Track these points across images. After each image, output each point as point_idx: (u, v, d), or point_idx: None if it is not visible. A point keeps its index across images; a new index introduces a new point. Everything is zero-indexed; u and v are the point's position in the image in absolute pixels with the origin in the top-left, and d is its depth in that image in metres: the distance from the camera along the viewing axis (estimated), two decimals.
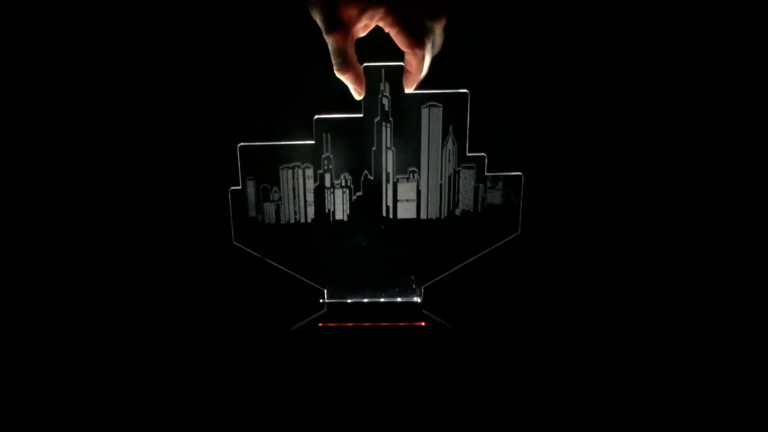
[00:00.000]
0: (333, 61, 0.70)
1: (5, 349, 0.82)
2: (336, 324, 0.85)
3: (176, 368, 0.81)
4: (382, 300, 0.87)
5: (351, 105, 0.81)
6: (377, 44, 0.82)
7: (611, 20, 0.82)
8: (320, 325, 0.85)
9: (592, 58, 0.84)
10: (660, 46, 0.84)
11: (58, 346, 0.83)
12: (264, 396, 0.78)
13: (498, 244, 0.86)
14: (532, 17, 0.82)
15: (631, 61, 0.85)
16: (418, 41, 0.66)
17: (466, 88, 0.80)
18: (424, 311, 0.87)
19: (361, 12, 0.61)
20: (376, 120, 0.80)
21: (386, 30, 0.66)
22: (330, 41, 0.62)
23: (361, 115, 0.80)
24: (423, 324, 0.85)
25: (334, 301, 0.86)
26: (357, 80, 0.67)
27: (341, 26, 0.61)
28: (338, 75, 0.69)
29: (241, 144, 0.80)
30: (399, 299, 0.87)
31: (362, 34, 0.69)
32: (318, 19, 0.63)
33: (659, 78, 0.87)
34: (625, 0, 0.82)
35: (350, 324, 0.85)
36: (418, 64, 0.70)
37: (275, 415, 0.74)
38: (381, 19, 0.64)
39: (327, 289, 0.87)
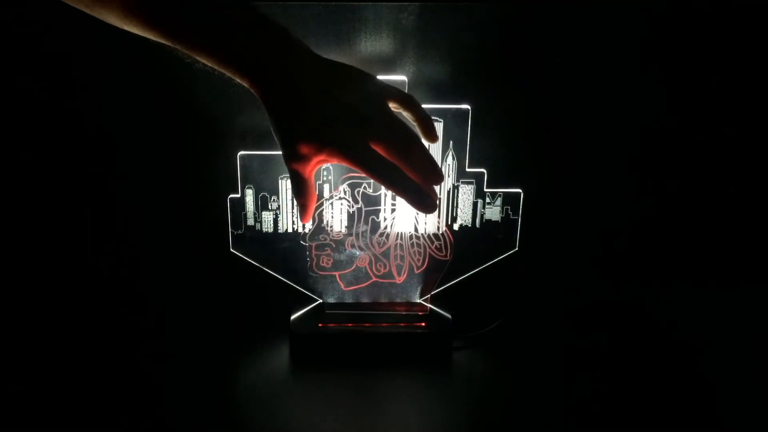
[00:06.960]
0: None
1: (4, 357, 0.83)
2: (336, 324, 0.85)
3: (173, 369, 0.81)
4: (382, 300, 0.88)
5: None
6: (375, 59, 0.82)
7: (613, 37, 0.82)
8: (320, 325, 0.85)
9: (593, 75, 0.84)
10: (658, 65, 0.84)
11: (58, 346, 0.84)
12: (264, 396, 0.78)
13: (495, 261, 0.86)
14: (533, 33, 0.82)
15: (630, 80, 0.85)
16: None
17: (468, 104, 0.80)
18: (424, 302, 0.88)
19: (317, 151, 0.61)
20: None
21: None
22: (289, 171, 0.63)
23: None
24: (423, 324, 0.85)
25: (334, 302, 0.87)
26: (304, 210, 0.67)
27: (299, 158, 0.62)
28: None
29: (241, 152, 0.80)
30: (399, 299, 0.88)
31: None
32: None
33: (659, 96, 0.86)
34: (626, 21, 0.82)
35: (350, 324, 0.85)
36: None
37: (275, 415, 0.74)
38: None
39: (323, 299, 0.87)
